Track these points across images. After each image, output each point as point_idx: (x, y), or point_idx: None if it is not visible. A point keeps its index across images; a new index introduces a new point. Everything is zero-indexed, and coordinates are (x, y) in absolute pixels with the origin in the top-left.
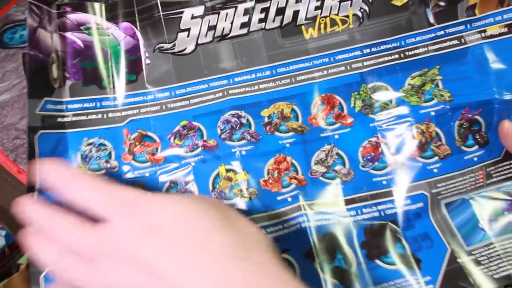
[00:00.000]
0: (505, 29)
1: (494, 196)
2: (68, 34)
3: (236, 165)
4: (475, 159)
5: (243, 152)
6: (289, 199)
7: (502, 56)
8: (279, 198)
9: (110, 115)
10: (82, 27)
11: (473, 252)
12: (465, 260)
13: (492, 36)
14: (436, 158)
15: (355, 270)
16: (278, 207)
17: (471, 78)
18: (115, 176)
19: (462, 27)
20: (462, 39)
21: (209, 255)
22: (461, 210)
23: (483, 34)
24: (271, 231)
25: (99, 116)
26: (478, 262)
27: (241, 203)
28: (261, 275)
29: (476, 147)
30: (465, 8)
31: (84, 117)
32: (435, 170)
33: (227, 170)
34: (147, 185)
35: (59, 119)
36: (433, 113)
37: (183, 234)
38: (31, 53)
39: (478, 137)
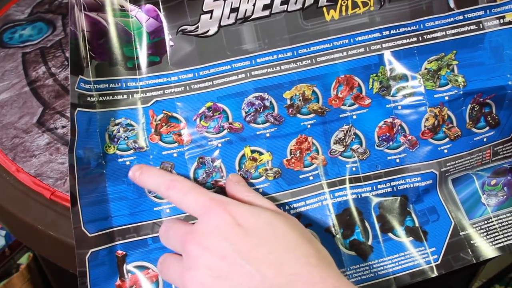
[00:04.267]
0: None
1: (495, 173)
2: (93, 14)
3: (260, 146)
4: (485, 139)
5: (267, 135)
6: (311, 178)
7: None
8: (301, 176)
9: (135, 96)
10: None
11: (473, 226)
12: (466, 233)
13: (510, 22)
14: (447, 139)
15: (371, 242)
16: (301, 185)
17: (486, 64)
18: (144, 156)
19: (481, 13)
20: (480, 25)
21: (296, 260)
22: (465, 186)
23: (501, 20)
24: (294, 207)
25: (125, 97)
26: (477, 235)
27: (266, 182)
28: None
29: (487, 128)
30: None
31: (110, 98)
32: (445, 151)
33: (252, 151)
34: (176, 165)
35: (88, 98)
36: (446, 98)
37: (274, 238)
38: (71, 29)
39: (489, 119)
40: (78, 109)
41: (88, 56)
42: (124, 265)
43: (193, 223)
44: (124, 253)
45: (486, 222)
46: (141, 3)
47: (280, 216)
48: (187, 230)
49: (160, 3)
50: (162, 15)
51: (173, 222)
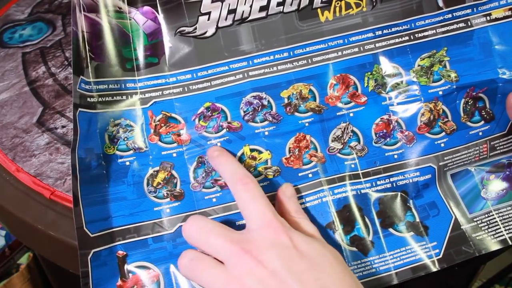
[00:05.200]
0: (509, 12)
1: (494, 167)
2: (92, 15)
3: (259, 145)
4: (480, 133)
5: (266, 133)
6: (310, 175)
7: (505, 38)
8: (300, 174)
9: (134, 97)
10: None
11: (474, 219)
12: (467, 227)
13: (496, 19)
14: (443, 133)
15: (371, 238)
16: (300, 183)
17: (476, 59)
18: (143, 156)
19: (468, 11)
20: (468, 22)
21: None
22: (465, 181)
23: (488, 18)
24: None
25: (124, 97)
26: (479, 229)
27: (266, 181)
28: None
29: (482, 122)
30: None
31: (109, 98)
32: (442, 145)
33: (252, 150)
34: (175, 165)
35: (89, 99)
36: (440, 93)
37: (324, 267)
38: (73, 29)
39: (484, 113)
40: (79, 109)
41: (88, 57)
42: (125, 265)
43: (238, 231)
44: (125, 253)
45: (486, 215)
46: (139, 5)
47: (329, 248)
48: (237, 238)
49: (158, 5)
50: (160, 17)
51: (214, 224)
